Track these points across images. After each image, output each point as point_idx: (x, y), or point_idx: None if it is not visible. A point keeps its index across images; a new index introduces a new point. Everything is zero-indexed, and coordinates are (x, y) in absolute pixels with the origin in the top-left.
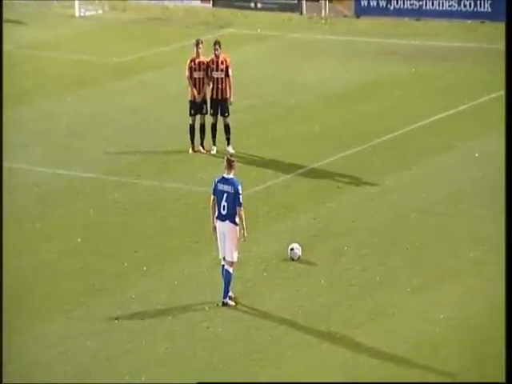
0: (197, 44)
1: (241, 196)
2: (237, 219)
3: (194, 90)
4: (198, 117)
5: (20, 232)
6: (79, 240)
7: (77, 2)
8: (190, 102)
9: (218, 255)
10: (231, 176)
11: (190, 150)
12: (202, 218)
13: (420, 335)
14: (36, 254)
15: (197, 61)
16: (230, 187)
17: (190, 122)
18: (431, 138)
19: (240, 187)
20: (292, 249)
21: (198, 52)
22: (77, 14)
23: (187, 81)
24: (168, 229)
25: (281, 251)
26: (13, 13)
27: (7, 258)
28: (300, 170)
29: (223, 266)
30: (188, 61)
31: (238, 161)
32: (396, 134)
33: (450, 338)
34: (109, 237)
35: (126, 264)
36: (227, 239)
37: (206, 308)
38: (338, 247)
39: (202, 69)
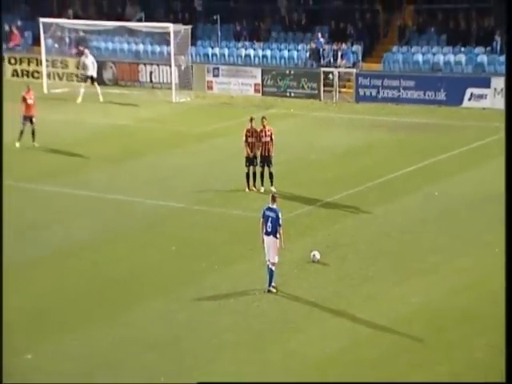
0: (250, 120)
1: (280, 220)
2: (277, 235)
3: (248, 149)
4: (251, 167)
5: (132, 243)
6: (174, 248)
7: (174, 93)
8: (246, 157)
9: (264, 259)
10: (274, 206)
11: (246, 189)
12: (254, 234)
13: (399, 313)
14: (144, 257)
15: (251, 130)
16: (273, 213)
17: (246, 170)
18: (406, 182)
19: (280, 214)
20: (314, 254)
21: (251, 125)
22: (174, 100)
23: (243, 144)
24: (231, 241)
25: (306, 256)
26: (133, 99)
27: (123, 259)
28: (318, 203)
29: (268, 265)
30: (245, 130)
31: (278, 196)
32: (382, 179)
33: (418, 315)
34: (192, 246)
35: (203, 264)
36: (271, 248)
37: (257, 293)
38: (343, 254)
39: (254, 136)
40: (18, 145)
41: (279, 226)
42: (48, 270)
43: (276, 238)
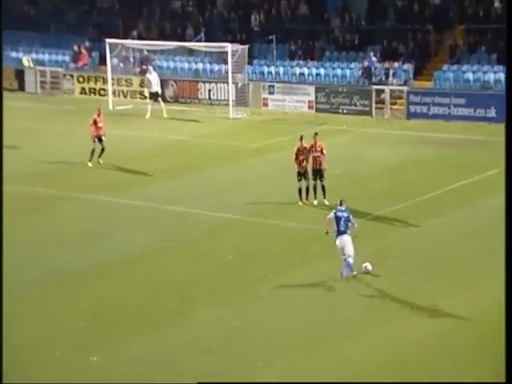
0: (300, 138)
1: (351, 217)
2: (348, 232)
3: (299, 166)
4: (303, 181)
5: (190, 252)
6: (230, 258)
7: (231, 109)
8: (297, 172)
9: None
10: (344, 208)
11: (299, 202)
12: (307, 245)
13: (445, 322)
14: (201, 266)
15: (301, 148)
16: (345, 213)
17: (298, 185)
18: (454, 197)
19: (350, 214)
20: (365, 266)
21: (301, 143)
22: (230, 117)
23: (294, 161)
24: (285, 251)
25: (357, 267)
26: (192, 115)
27: (181, 267)
28: (368, 216)
29: (345, 259)
30: (295, 148)
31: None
32: (432, 194)
33: (464, 323)
34: (248, 256)
35: (258, 273)
36: (346, 244)
37: (309, 301)
38: (393, 265)
39: (304, 153)
40: (90, 164)
41: (351, 223)
42: (110, 276)
43: (348, 235)
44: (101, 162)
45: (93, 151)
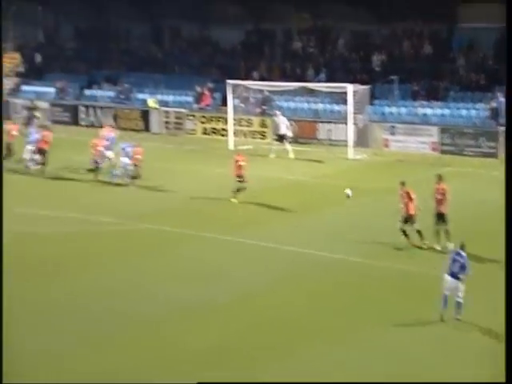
0: (402, 184)
1: (467, 265)
2: (460, 276)
3: (403, 210)
4: (407, 225)
5: (306, 292)
6: (345, 299)
7: (350, 150)
8: (402, 216)
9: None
10: (464, 254)
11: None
12: (422, 289)
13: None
14: (315, 306)
15: (405, 191)
16: (462, 259)
17: (403, 227)
18: None
19: (466, 262)
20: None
21: (402, 188)
22: (350, 157)
23: (400, 205)
24: (400, 295)
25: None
26: (311, 156)
27: (298, 308)
28: (491, 263)
29: (457, 301)
30: (401, 193)
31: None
32: None
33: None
34: (363, 298)
35: (373, 315)
36: (454, 290)
37: (423, 346)
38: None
39: (407, 198)
40: (235, 201)
41: (466, 272)
42: (223, 314)
43: (459, 280)
44: (234, 200)
45: (237, 190)
